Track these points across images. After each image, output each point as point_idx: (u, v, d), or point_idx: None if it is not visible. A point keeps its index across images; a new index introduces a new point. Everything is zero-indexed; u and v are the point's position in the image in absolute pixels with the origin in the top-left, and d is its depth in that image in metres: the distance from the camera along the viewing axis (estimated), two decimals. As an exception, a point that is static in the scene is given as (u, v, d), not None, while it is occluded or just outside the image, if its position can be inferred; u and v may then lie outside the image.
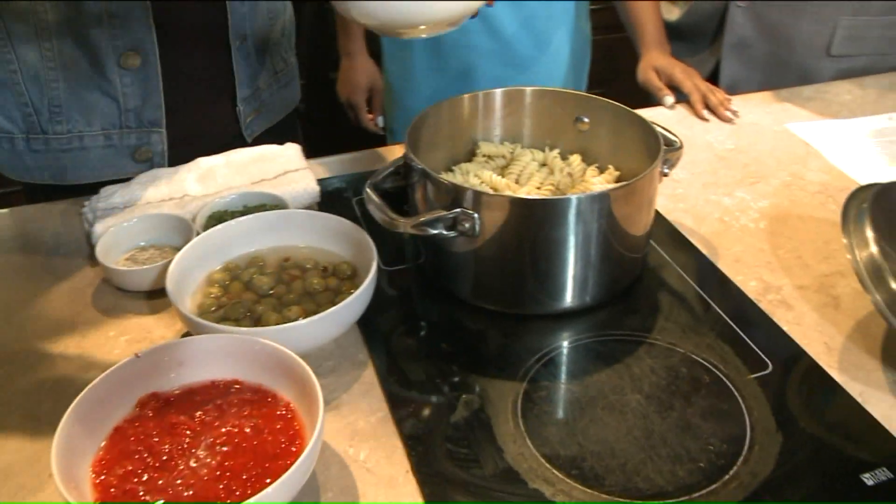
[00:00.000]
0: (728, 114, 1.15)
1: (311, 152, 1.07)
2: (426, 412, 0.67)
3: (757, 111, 1.19)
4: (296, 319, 0.73)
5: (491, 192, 0.79)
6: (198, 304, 0.76)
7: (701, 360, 0.72)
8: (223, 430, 0.63)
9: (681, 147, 0.84)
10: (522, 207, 0.72)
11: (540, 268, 0.75)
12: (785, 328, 0.76)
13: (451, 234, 0.73)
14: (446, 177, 0.90)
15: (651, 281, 0.83)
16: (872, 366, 0.72)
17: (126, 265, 0.85)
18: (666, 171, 0.82)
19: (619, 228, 0.76)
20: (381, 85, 1.56)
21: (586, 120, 0.92)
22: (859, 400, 0.68)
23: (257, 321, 0.73)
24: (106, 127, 1.01)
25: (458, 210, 0.72)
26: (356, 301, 0.71)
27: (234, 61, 1.08)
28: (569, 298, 0.77)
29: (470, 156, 0.94)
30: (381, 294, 0.82)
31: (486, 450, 0.63)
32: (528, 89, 0.92)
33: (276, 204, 0.92)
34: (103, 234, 0.87)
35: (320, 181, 1.00)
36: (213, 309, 0.75)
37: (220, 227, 0.82)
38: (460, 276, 0.79)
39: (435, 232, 0.72)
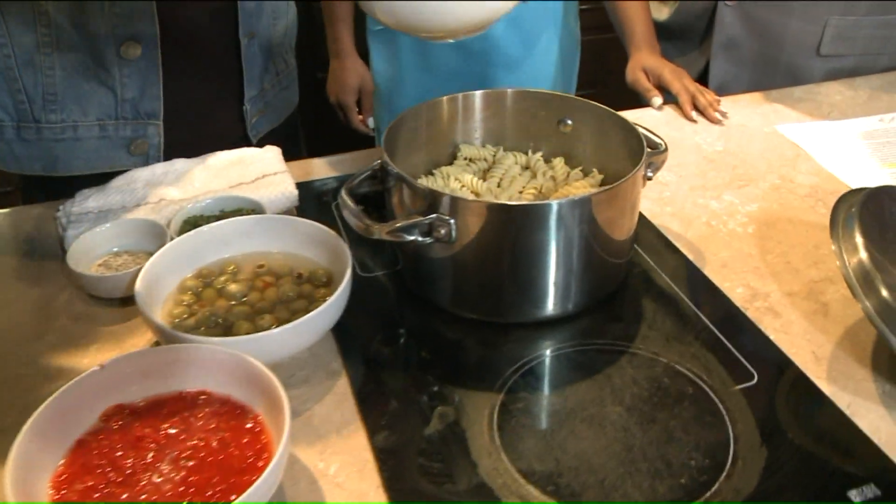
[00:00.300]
0: (717, 115, 1.13)
1: (307, 153, 1.05)
2: (400, 424, 0.65)
3: (746, 112, 1.17)
4: (269, 328, 0.71)
5: (469, 197, 0.76)
6: (169, 312, 0.74)
7: (684, 371, 0.69)
8: (189, 443, 0.61)
9: (665, 150, 0.82)
10: (500, 213, 0.70)
11: (520, 275, 0.73)
12: (772, 337, 0.74)
13: (427, 240, 0.71)
14: (425, 181, 0.88)
15: (635, 287, 0.81)
16: (862, 375, 0.70)
17: (99, 271, 0.83)
18: (650, 174, 0.80)
19: (602, 234, 0.74)
20: (370, 85, 1.54)
21: (570, 122, 0.90)
22: (847, 412, 0.66)
23: (228, 330, 0.71)
24: (101, 117, 0.98)
25: (433, 216, 0.70)
26: (329, 309, 0.69)
27: (244, 59, 1.06)
28: (550, 306, 0.75)
29: (451, 159, 0.92)
30: (359, 301, 0.79)
31: (460, 465, 0.61)
32: (510, 91, 0.90)
33: (252, 208, 0.90)
34: (76, 239, 0.85)
35: (302, 184, 0.98)
36: (185, 317, 0.73)
37: (192, 233, 0.79)
38: (438, 283, 0.77)
39: (410, 238, 0.70)
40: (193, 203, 0.90)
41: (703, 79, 1.33)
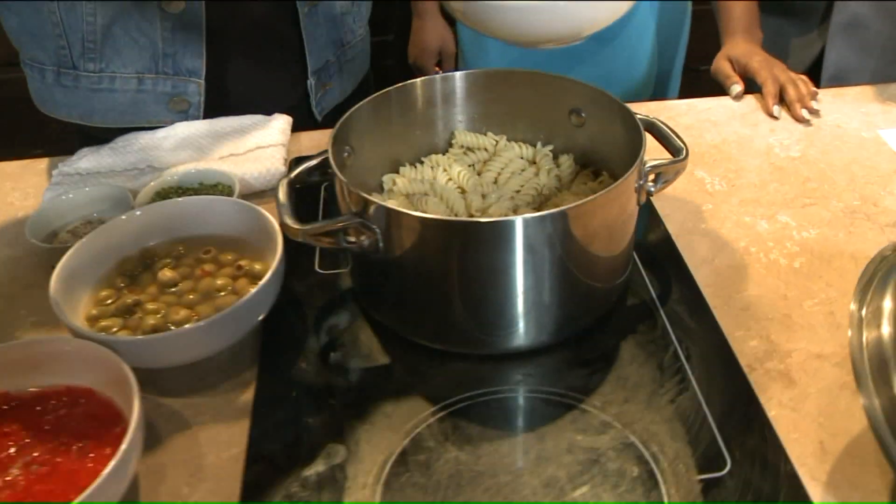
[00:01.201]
0: (804, 112, 0.93)
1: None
2: (282, 457, 0.57)
3: (847, 110, 0.95)
4: (182, 324, 0.64)
5: (394, 206, 0.60)
6: (97, 293, 0.70)
7: (637, 444, 0.56)
8: (50, 445, 0.57)
9: (683, 158, 0.66)
10: (440, 231, 0.58)
11: (469, 299, 0.61)
12: (772, 413, 0.58)
13: (353, 247, 0.61)
14: (410, 171, 0.78)
15: (621, 322, 0.67)
16: (875, 486, 0.53)
17: (66, 238, 0.81)
18: (653, 187, 0.65)
19: (582, 255, 0.61)
20: (452, 48, 1.43)
21: (583, 114, 0.75)
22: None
23: (135, 328, 0.65)
24: (140, 70, 0.95)
25: (356, 220, 0.60)
26: (231, 316, 0.61)
27: (303, 28, 1.00)
28: (505, 338, 0.63)
29: (448, 146, 0.81)
30: (306, 300, 0.72)
31: (322, 522, 0.52)
32: (519, 71, 0.76)
33: (229, 185, 0.84)
34: (48, 203, 0.83)
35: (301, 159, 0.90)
36: (108, 302, 0.68)
37: (140, 210, 0.74)
38: (378, 295, 0.67)
39: (329, 241, 0.61)
40: (171, 174, 0.85)
41: (818, 67, 1.11)
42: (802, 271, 0.71)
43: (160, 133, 0.94)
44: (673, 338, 0.65)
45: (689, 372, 0.61)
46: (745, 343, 0.64)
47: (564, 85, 0.75)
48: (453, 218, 0.63)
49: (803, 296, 0.68)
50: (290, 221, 0.61)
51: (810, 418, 0.58)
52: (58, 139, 1.05)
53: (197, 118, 0.98)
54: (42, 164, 0.98)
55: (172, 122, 0.95)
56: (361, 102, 0.70)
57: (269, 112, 0.98)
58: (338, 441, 0.57)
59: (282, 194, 0.64)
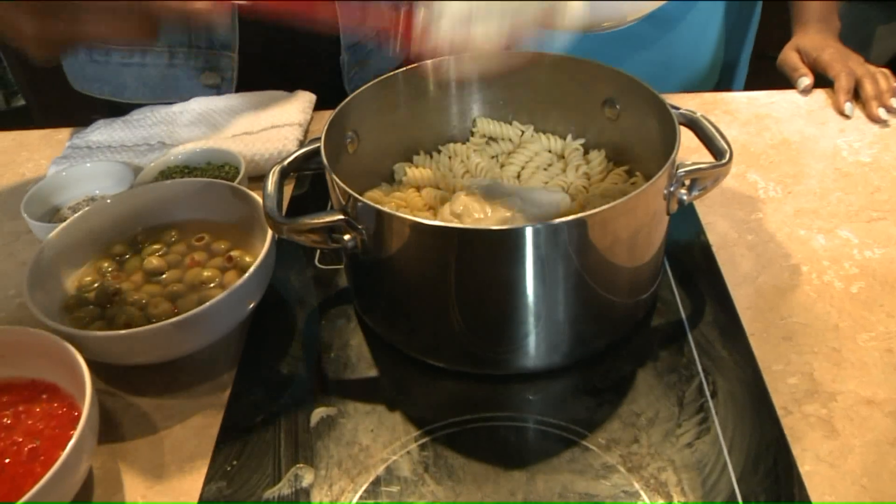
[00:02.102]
0: (880, 111, 0.82)
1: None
2: (246, 475, 0.52)
3: (933, 111, 0.83)
4: (161, 319, 0.60)
5: (376, 205, 0.53)
6: (80, 277, 0.66)
7: (643, 496, 0.48)
8: (1, 445, 0.53)
9: (725, 164, 0.57)
10: (435, 238, 0.51)
11: (469, 313, 0.54)
12: (805, 468, 0.49)
13: (336, 246, 0.55)
14: (423, 159, 0.71)
15: (641, 345, 0.59)
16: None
17: (67, 216, 0.77)
18: (684, 195, 0.57)
19: (602, 267, 0.53)
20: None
21: (617, 106, 0.67)
22: None
23: (112, 318, 0.61)
24: (172, 45, 0.92)
25: (341, 219, 0.53)
26: (208, 314, 0.56)
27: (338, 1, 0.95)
28: (509, 358, 0.56)
29: (470, 133, 0.74)
30: (303, 298, 0.66)
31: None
32: (547, 55, 0.68)
33: (236, 166, 0.79)
34: (50, 177, 0.79)
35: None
36: (88, 290, 0.65)
37: (134, 190, 0.70)
38: (369, 301, 0.61)
39: (315, 239, 0.55)
40: (177, 152, 0.80)
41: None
42: (860, 298, 0.62)
43: (176, 107, 0.90)
44: (699, 368, 0.57)
45: (713, 411, 0.53)
46: (782, 380, 0.56)
47: (598, 72, 0.66)
48: (450, 224, 0.55)
49: (858, 327, 0.59)
50: (273, 215, 0.55)
51: (852, 478, 0.49)
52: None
53: (229, 93, 0.93)
54: (62, 134, 0.95)
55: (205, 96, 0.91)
56: (365, 85, 0.63)
57: (303, 88, 0.93)
58: (307, 462, 0.52)
59: (270, 183, 0.58)
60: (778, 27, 1.13)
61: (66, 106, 1.00)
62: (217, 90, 0.94)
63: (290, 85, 0.93)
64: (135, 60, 0.93)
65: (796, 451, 0.51)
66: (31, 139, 0.95)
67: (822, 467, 0.50)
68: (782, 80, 0.93)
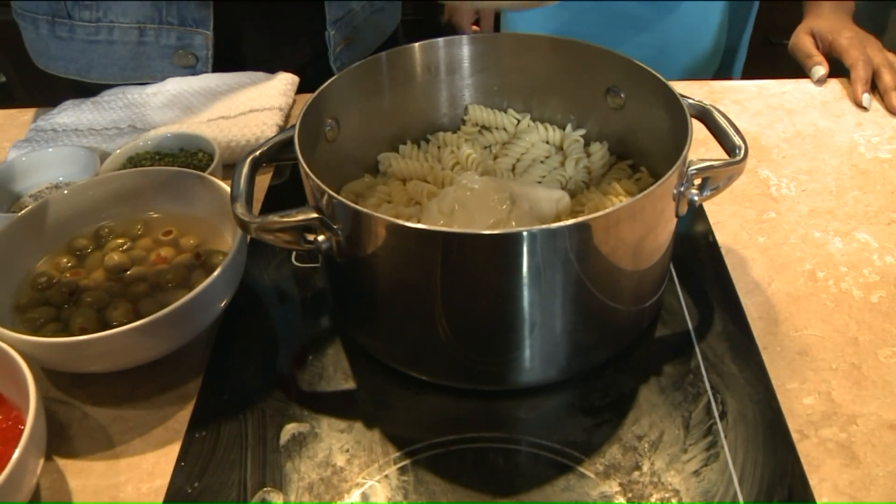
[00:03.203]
0: (901, 103, 0.77)
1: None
2: (209, 497, 0.47)
3: (957, 104, 0.78)
4: (120, 322, 0.55)
5: (356, 206, 0.47)
6: (37, 278, 0.60)
7: (643, 528, 0.44)
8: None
9: (740, 161, 0.52)
10: (417, 241, 0.46)
11: (456, 321, 0.49)
12: (822, 500, 0.45)
13: (310, 248, 0.50)
14: (410, 149, 0.66)
15: (644, 358, 0.54)
16: None
17: (28, 204, 0.72)
18: (695, 196, 0.51)
19: (603, 273, 0.48)
20: (492, 6, 1.29)
21: (622, 94, 0.62)
22: None
23: (67, 321, 0.56)
24: (141, 20, 0.86)
25: (314, 217, 0.48)
26: (169, 319, 0.51)
27: None
28: (500, 372, 0.51)
29: (461, 122, 0.68)
30: (277, 300, 0.61)
31: None
32: (545, 38, 0.63)
33: (210, 153, 0.74)
34: (10, 162, 0.74)
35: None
36: (43, 286, 0.59)
37: (92, 181, 0.64)
38: (346, 305, 0.56)
39: (287, 240, 0.50)
40: (147, 138, 0.75)
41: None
42: (881, 308, 0.57)
43: (150, 88, 0.84)
44: (707, 385, 0.52)
45: (722, 434, 0.49)
46: (797, 399, 0.51)
47: (601, 57, 0.61)
48: (435, 228, 0.50)
49: (879, 342, 0.54)
50: (239, 212, 0.50)
51: (874, 513, 0.45)
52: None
53: (205, 72, 0.88)
54: (27, 115, 0.89)
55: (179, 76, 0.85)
56: (346, 69, 0.58)
57: (285, 69, 0.87)
58: (275, 486, 0.47)
59: (242, 176, 0.52)
60: (783, 11, 1.07)
61: (50, 83, 0.94)
62: (192, 71, 0.88)
63: (270, 66, 0.87)
64: (101, 38, 0.87)
65: (813, 481, 0.46)
66: (-5, 119, 0.89)
67: (842, 499, 0.45)
68: (786, 67, 0.88)
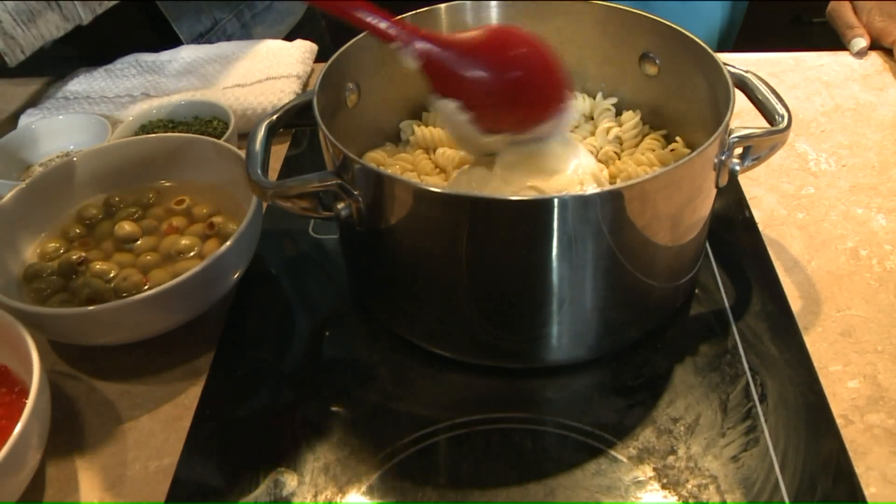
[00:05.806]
0: (948, 76, 0.73)
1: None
2: (220, 481, 0.45)
3: None
4: (130, 293, 0.53)
5: (385, 171, 0.46)
6: (44, 243, 0.58)
7: (679, 515, 0.41)
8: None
9: (784, 129, 0.49)
10: (444, 208, 0.43)
11: (482, 294, 0.47)
12: (870, 490, 0.42)
13: (328, 215, 0.47)
14: (430, 118, 0.63)
15: (678, 338, 0.51)
16: None
17: (38, 171, 0.70)
18: (736, 165, 0.48)
19: (639, 245, 0.46)
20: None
21: (657, 61, 0.58)
22: None
23: (75, 291, 0.54)
24: None
25: (334, 182, 0.46)
26: (179, 290, 0.49)
27: None
28: (528, 349, 0.49)
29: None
30: (294, 271, 0.59)
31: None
32: (578, 2, 0.60)
33: (225, 121, 0.71)
34: (18, 131, 0.72)
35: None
36: (51, 258, 0.57)
37: (102, 148, 0.62)
38: (366, 277, 0.53)
39: (305, 206, 0.47)
40: (161, 105, 0.72)
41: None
42: (930, 289, 0.54)
43: (164, 56, 0.82)
44: (745, 367, 0.49)
45: (762, 418, 0.46)
46: (842, 383, 0.48)
47: (635, 21, 0.57)
48: (462, 192, 0.48)
49: (929, 323, 0.51)
50: (255, 177, 0.47)
51: (927, 503, 0.42)
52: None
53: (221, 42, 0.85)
54: (38, 83, 0.87)
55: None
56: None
57: (303, 36, 0.84)
58: (290, 467, 0.45)
59: (258, 141, 0.50)
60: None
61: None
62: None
63: (288, 33, 0.85)
64: None
65: (860, 469, 0.43)
66: (2, 87, 0.87)
67: (891, 490, 0.42)
68: (826, 44, 0.84)
